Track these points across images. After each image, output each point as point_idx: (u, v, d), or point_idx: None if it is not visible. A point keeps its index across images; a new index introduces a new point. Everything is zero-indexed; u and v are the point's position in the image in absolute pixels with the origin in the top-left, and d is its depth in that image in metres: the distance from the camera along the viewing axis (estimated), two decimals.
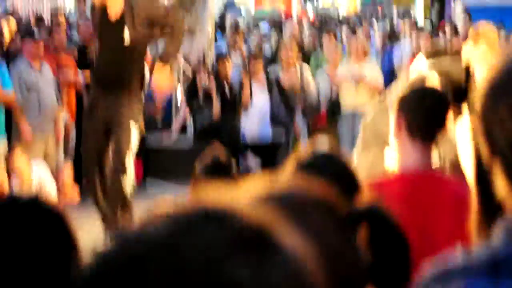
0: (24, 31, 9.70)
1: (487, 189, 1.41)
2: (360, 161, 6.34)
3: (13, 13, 14.59)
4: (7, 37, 10.73)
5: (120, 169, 7.32)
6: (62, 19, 12.36)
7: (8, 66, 9.43)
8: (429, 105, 3.57)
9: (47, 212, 1.87)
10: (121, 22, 7.22)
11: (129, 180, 7.38)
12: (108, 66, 7.43)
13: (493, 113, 1.34)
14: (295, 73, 10.93)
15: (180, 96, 11.38)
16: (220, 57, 11.14)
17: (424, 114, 3.54)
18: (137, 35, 7.18)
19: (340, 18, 39.15)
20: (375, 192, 2.28)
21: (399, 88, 6.10)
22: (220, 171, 3.96)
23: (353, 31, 13.77)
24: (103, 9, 7.31)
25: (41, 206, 1.87)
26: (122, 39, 7.21)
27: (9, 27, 11.04)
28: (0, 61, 9.59)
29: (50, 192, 7.59)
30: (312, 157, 2.36)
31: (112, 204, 7.45)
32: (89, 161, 7.60)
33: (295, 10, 41.18)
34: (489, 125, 1.35)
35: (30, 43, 8.99)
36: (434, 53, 5.97)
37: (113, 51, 7.36)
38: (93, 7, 7.85)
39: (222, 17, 18.67)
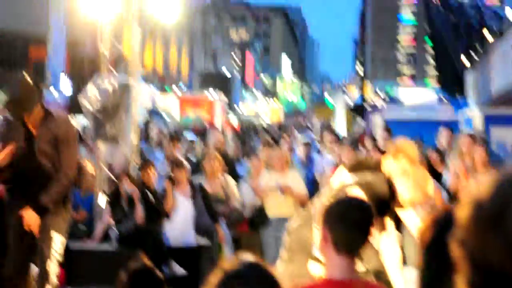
0: None
1: None
2: (284, 270, 6.35)
3: None
4: None
5: (43, 275, 7.34)
6: None
7: None
8: (354, 219, 3.63)
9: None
10: (39, 137, 7.34)
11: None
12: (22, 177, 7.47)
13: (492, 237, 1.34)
14: (218, 182, 11.09)
15: (103, 204, 11.31)
16: (144, 165, 11.20)
17: (349, 228, 3.59)
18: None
19: (264, 126, 39.62)
20: None
21: (323, 199, 6.20)
22: (145, 279, 3.94)
23: (276, 141, 14.00)
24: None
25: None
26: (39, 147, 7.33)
27: None
28: None
29: None
30: (237, 267, 2.37)
31: None
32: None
33: (219, 119, 41.72)
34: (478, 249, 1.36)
35: None
36: (356, 166, 6.11)
37: (27, 162, 7.41)
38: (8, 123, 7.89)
39: (146, 125, 18.78)
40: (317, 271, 6.49)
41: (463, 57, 34.64)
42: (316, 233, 6.31)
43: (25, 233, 7.39)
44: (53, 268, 7.39)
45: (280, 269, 7.00)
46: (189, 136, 16.63)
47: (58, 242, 7.43)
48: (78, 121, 21.27)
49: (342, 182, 6.72)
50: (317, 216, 6.28)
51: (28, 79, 7.32)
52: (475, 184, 2.37)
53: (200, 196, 10.71)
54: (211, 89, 46.14)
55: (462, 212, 1.41)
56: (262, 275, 2.34)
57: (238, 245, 11.09)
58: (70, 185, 7.61)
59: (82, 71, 12.33)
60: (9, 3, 45.00)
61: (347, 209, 3.66)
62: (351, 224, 3.56)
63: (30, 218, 7.35)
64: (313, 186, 11.86)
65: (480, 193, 1.39)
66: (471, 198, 1.40)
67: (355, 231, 3.57)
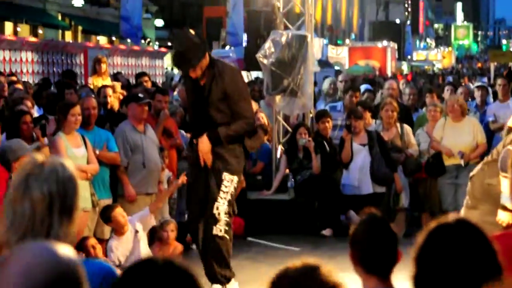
0: (130, 95, 9.99)
1: None
2: (468, 217, 6.25)
3: (118, 76, 15.07)
4: (112, 100, 11.12)
5: (212, 218, 7.56)
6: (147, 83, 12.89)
7: (112, 129, 9.78)
8: None
9: (183, 272, 2.05)
10: (207, 91, 7.52)
11: (222, 228, 7.56)
12: (201, 124, 7.69)
13: None
14: (395, 130, 11.02)
15: (279, 154, 11.51)
16: (320, 116, 11.28)
17: None
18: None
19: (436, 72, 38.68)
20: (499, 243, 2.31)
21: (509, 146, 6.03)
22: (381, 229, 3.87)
23: (454, 88, 13.60)
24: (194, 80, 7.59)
25: (177, 267, 2.04)
26: (208, 103, 7.52)
27: (114, 91, 11.45)
28: (106, 126, 9.96)
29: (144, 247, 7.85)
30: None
31: (209, 254, 7.66)
32: (193, 210, 7.89)
33: (390, 66, 41.25)
34: None
35: (135, 107, 9.23)
36: None
37: (201, 114, 7.63)
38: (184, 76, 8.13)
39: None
40: (506, 218, 6.37)
41: None
42: (504, 181, 6.18)
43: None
44: (222, 209, 7.56)
45: (464, 216, 6.92)
46: (363, 86, 16.58)
47: (228, 182, 7.59)
48: (253, 75, 21.67)
49: None
50: (503, 163, 6.16)
51: (192, 34, 7.47)
52: None
53: (377, 144, 10.69)
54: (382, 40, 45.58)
55: None
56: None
57: (415, 192, 11.02)
58: (250, 129, 7.73)
59: (257, 26, 12.41)
60: None
61: None
62: None
63: (203, 144, 7.54)
64: (490, 132, 11.50)
65: None
66: None
67: None
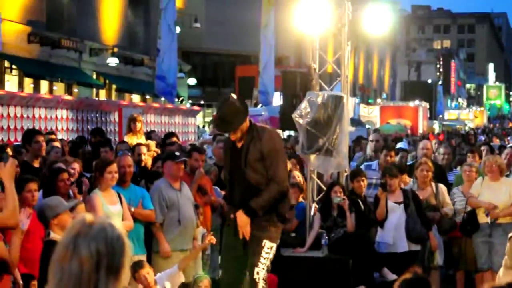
0: (167, 153, 10.12)
1: None
2: (507, 276, 6.18)
3: (151, 134, 15.22)
4: (146, 158, 11.25)
5: (252, 282, 7.73)
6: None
7: (147, 186, 9.88)
8: None
9: None
10: (245, 151, 7.69)
11: None
12: (235, 187, 7.87)
13: None
14: (430, 190, 11.03)
15: (313, 212, 11.53)
16: (355, 174, 11.32)
17: None
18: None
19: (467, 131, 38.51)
20: None
21: None
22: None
23: (490, 148, 13.63)
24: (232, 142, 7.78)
25: None
26: (245, 163, 7.68)
27: (148, 150, 11.58)
28: (142, 182, 10.06)
29: None
30: None
31: None
32: (228, 268, 7.96)
33: (421, 126, 41.23)
34: None
35: (171, 165, 9.33)
36: None
37: (238, 174, 7.77)
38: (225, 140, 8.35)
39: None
40: None
41: None
42: None
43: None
44: (261, 274, 7.74)
45: (503, 277, 6.85)
46: (400, 144, 16.61)
47: (268, 249, 7.76)
48: (288, 134, 21.74)
49: None
50: None
51: (235, 99, 7.68)
52: None
53: (413, 202, 10.68)
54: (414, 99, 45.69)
55: None
56: None
57: (449, 251, 10.97)
58: (282, 193, 7.84)
59: (293, 86, 12.53)
60: (222, 27, 46.95)
61: None
62: None
63: (241, 218, 7.71)
64: None
65: None
66: None
67: None
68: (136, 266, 7.85)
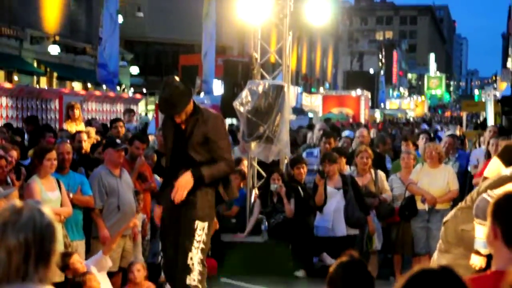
0: (107, 141, 10.10)
1: None
2: (441, 261, 6.32)
3: (91, 121, 15.11)
4: (86, 145, 11.20)
5: (184, 268, 7.54)
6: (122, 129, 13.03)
7: (86, 173, 9.86)
8: None
9: None
10: (189, 134, 7.62)
11: (195, 277, 7.55)
12: (179, 166, 7.74)
13: None
14: (369, 176, 11.18)
15: (253, 198, 11.64)
16: (295, 162, 11.42)
17: None
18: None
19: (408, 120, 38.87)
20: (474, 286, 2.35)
21: (486, 193, 6.12)
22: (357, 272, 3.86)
23: (429, 136, 13.87)
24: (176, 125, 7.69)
25: None
26: (189, 146, 7.60)
27: (88, 136, 11.53)
28: (80, 169, 10.03)
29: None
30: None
31: None
32: (168, 255, 7.84)
33: (363, 115, 41.58)
34: None
35: (112, 152, 9.36)
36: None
37: (181, 156, 7.71)
38: (164, 121, 8.22)
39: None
40: (479, 263, 6.46)
41: None
42: (478, 227, 6.28)
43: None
44: (196, 258, 7.55)
45: (437, 260, 6.99)
46: (347, 133, 16.80)
47: (200, 231, 7.59)
48: (230, 123, 21.80)
49: (499, 174, 6.61)
50: (478, 211, 6.25)
51: (178, 81, 7.63)
52: None
53: (351, 188, 10.82)
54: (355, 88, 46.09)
55: None
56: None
57: (388, 235, 11.15)
58: (230, 169, 7.81)
59: (234, 75, 12.59)
60: (165, 16, 46.74)
61: None
62: None
63: (185, 178, 7.53)
64: (463, 178, 11.67)
65: None
66: None
67: None
68: (66, 256, 7.80)
